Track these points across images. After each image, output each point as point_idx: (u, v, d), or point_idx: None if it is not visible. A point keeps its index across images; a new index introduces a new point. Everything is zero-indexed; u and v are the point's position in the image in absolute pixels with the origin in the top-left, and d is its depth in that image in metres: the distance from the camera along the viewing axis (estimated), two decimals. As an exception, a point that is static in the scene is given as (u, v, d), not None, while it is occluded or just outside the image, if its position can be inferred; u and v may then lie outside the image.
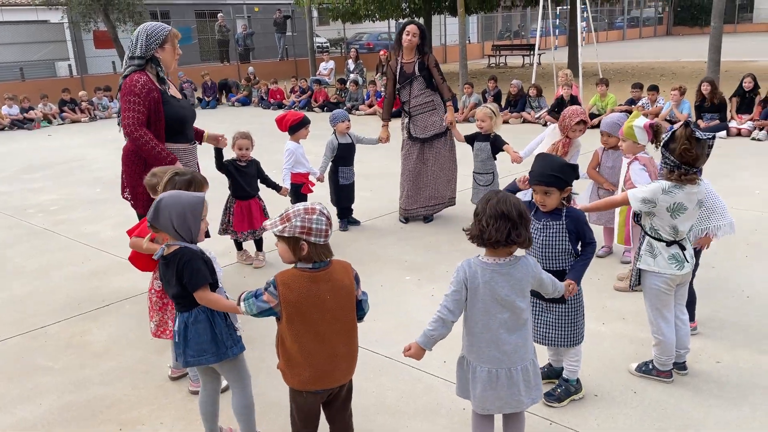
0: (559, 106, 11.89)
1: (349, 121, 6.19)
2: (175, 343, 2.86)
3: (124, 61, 4.42)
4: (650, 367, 3.50)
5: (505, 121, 12.38)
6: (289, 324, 2.49)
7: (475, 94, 13.21)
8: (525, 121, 12.35)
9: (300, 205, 2.47)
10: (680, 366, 3.52)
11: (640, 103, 11.12)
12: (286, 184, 5.66)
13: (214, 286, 2.80)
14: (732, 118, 10.18)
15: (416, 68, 6.10)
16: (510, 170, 7.19)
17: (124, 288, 5.14)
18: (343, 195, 6.30)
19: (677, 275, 3.29)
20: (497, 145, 5.78)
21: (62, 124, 15.52)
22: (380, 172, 8.48)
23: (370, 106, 14.74)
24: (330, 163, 6.17)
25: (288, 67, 24.63)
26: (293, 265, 2.52)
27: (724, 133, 9.88)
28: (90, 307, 4.81)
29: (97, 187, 8.75)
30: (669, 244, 3.27)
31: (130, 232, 3.57)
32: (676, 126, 3.23)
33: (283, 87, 17.37)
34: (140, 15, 18.96)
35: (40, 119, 15.25)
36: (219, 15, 23.92)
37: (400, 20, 24.80)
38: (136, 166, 4.33)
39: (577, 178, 3.17)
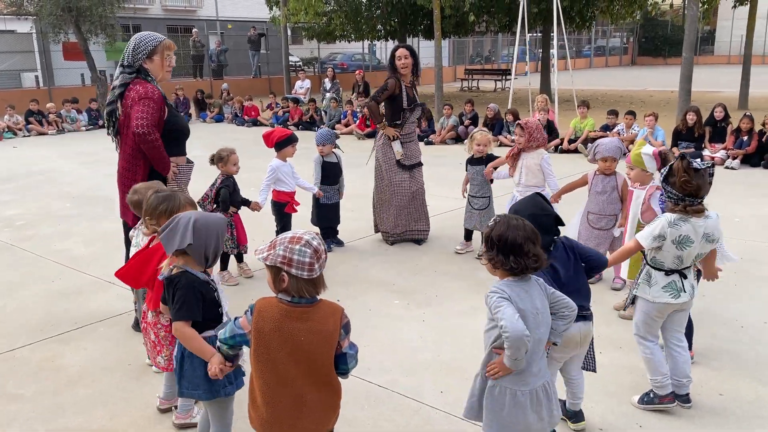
0: (536, 130, 11.98)
1: (326, 145, 5.98)
2: (174, 369, 2.71)
3: (116, 70, 4.32)
4: (651, 396, 3.44)
5: (482, 144, 12.41)
6: (255, 356, 2.32)
7: (452, 116, 13.23)
8: (501, 144, 12.37)
9: (289, 233, 2.32)
10: (684, 399, 3.44)
11: (615, 129, 11.25)
12: (261, 199, 5.52)
13: (216, 321, 2.66)
14: (705, 147, 10.36)
15: (417, 96, 6.18)
16: (506, 188, 7.08)
17: (99, 309, 4.88)
18: (323, 214, 6.15)
19: (671, 304, 3.25)
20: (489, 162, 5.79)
21: (28, 136, 15.04)
22: (359, 192, 8.34)
23: (347, 125, 14.65)
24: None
25: (261, 84, 24.46)
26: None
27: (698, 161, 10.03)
28: (62, 329, 4.55)
29: (66, 201, 8.44)
30: (668, 273, 3.23)
31: (119, 275, 3.32)
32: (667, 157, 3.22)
33: (258, 104, 17.19)
34: (112, 27, 18.61)
35: (4, 130, 14.77)
36: (193, 30, 23.68)
37: (374, 41, 24.94)
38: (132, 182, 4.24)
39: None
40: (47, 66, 21.58)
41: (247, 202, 5.32)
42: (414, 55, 6.05)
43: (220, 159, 5.09)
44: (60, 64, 21.79)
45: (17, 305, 5.00)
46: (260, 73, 25.88)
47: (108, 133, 4.45)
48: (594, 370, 3.24)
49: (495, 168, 5.69)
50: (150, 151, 4.13)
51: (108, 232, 6.90)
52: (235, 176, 5.23)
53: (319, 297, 2.35)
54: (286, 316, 2.27)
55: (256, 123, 16.37)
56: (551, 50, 14.09)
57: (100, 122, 16.43)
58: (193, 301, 2.57)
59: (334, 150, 6.05)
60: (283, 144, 5.54)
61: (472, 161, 5.80)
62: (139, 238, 3.75)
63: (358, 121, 14.43)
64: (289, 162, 5.69)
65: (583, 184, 5.06)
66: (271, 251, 2.26)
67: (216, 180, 5.19)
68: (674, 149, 10.38)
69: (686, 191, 3.09)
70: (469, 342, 4.20)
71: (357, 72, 17.71)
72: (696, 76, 13.43)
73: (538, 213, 2.89)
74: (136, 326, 4.50)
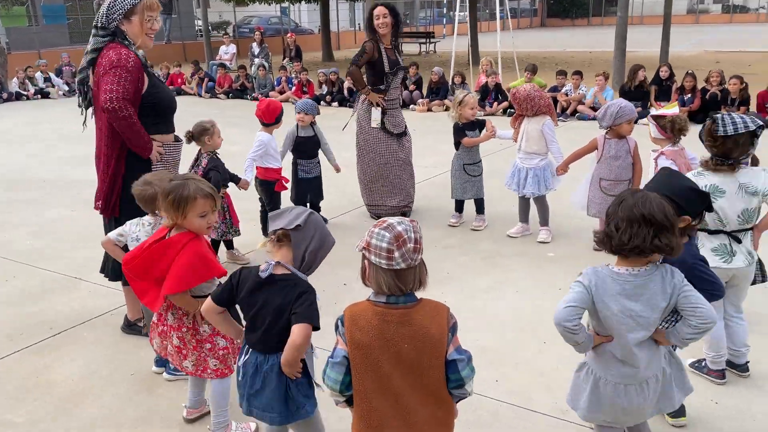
0: (483, 93, 11.84)
1: (308, 114, 5.51)
2: (238, 382, 2.35)
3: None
4: (702, 365, 3.37)
5: (429, 109, 12.18)
6: (355, 373, 1.97)
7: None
8: (447, 108, 12.15)
9: (385, 218, 1.99)
10: (742, 368, 3.36)
11: (563, 90, 11.26)
12: (248, 176, 5.01)
13: None
14: (651, 105, 10.54)
15: (400, 58, 5.83)
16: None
17: (74, 311, 4.27)
18: (301, 190, 5.71)
19: (722, 269, 3.10)
20: (481, 127, 5.50)
21: None
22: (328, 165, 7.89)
23: (281, 92, 13.94)
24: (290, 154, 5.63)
25: (175, 50, 23.04)
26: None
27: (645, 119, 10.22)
28: (37, 337, 3.93)
29: (-7, 186, 7.50)
30: (713, 233, 3.13)
31: (126, 261, 2.80)
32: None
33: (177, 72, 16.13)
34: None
35: None
36: (96, -8, 21.86)
37: (290, 4, 23.92)
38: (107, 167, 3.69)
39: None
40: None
41: (236, 179, 4.80)
42: (394, 13, 5.64)
43: (204, 132, 4.46)
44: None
45: (-29, 312, 4.31)
46: (170, 39, 24.38)
47: (78, 105, 3.91)
48: None
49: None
50: (123, 130, 3.57)
51: (56, 220, 6.15)
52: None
53: (419, 296, 2.00)
54: (384, 320, 1.93)
55: (180, 92, 15.34)
56: (495, 11, 13.91)
57: (4, 95, 14.94)
58: (318, 309, 2.24)
59: (312, 124, 5.59)
60: (280, 117, 5.06)
61: (467, 127, 5.45)
62: (141, 233, 3.22)
63: (294, 88, 13.78)
64: (275, 136, 5.20)
65: (591, 149, 4.88)
66: (365, 236, 1.97)
67: (199, 160, 4.60)
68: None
69: (715, 153, 3.05)
70: (505, 325, 3.96)
71: (289, 35, 16.87)
72: (606, 38, 13.72)
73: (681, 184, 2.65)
74: (127, 328, 3.96)
